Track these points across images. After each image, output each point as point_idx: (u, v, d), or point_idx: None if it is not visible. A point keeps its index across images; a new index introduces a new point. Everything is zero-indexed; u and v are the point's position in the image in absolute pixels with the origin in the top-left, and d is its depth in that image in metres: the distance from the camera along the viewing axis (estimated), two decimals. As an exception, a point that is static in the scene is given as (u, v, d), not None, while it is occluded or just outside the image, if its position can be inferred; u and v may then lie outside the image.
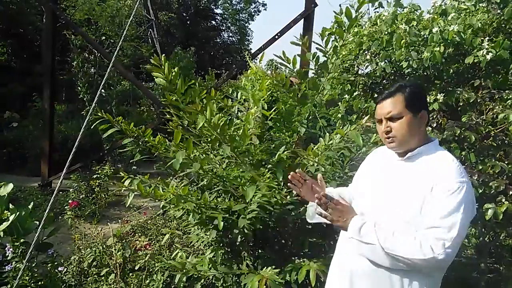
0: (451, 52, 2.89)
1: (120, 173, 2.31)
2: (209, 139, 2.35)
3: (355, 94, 3.35)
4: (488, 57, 2.60)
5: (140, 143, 2.44)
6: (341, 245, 1.64)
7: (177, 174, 2.57)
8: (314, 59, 2.53)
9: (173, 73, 2.13)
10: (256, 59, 3.66)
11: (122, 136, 2.45)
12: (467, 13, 2.96)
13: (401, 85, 1.55)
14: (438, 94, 2.73)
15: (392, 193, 1.51)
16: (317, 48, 2.52)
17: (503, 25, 2.88)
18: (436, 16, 3.00)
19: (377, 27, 3.23)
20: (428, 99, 2.75)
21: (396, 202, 1.48)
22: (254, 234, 2.36)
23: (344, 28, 2.49)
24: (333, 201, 1.47)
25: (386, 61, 3.13)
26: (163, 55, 2.23)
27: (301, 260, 2.23)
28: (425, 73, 3.00)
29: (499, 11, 2.76)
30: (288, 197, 2.30)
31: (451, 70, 2.96)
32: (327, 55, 2.52)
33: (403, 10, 3.20)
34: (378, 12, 3.48)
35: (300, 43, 2.54)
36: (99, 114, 2.37)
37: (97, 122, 2.41)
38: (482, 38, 2.72)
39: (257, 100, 2.57)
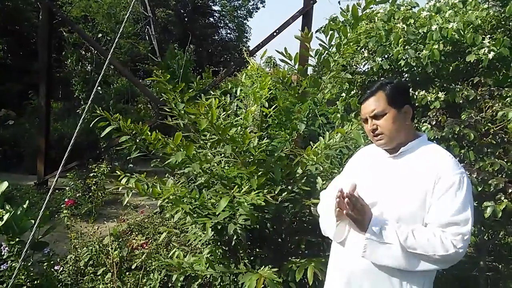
0: (450, 50, 2.88)
1: (117, 171, 2.29)
2: (209, 136, 2.32)
3: (352, 92, 3.33)
4: (490, 56, 2.59)
5: (138, 140, 2.41)
6: (338, 245, 1.61)
7: (175, 172, 2.55)
8: (317, 56, 2.49)
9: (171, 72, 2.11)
10: (256, 56, 3.61)
11: (119, 134, 2.41)
12: (459, 10, 2.94)
13: (381, 83, 1.57)
14: (440, 92, 2.71)
15: (389, 191, 1.50)
16: (320, 45, 2.47)
17: (502, 22, 2.86)
18: (433, 14, 2.98)
19: (373, 23, 3.21)
20: (429, 97, 2.73)
21: (394, 200, 1.47)
22: (251, 233, 2.34)
23: (349, 26, 2.45)
24: (359, 200, 1.45)
25: (383, 57, 3.11)
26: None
27: (298, 259, 2.21)
28: (423, 71, 2.98)
29: (499, 8, 2.74)
30: (285, 194, 2.28)
31: (450, 67, 2.94)
32: (330, 53, 2.48)
33: (399, 9, 3.17)
34: (373, 8, 3.46)
35: (302, 37, 2.48)
36: (97, 111, 2.34)
37: (94, 121, 2.38)
38: (483, 36, 2.70)
39: (257, 98, 2.54)
